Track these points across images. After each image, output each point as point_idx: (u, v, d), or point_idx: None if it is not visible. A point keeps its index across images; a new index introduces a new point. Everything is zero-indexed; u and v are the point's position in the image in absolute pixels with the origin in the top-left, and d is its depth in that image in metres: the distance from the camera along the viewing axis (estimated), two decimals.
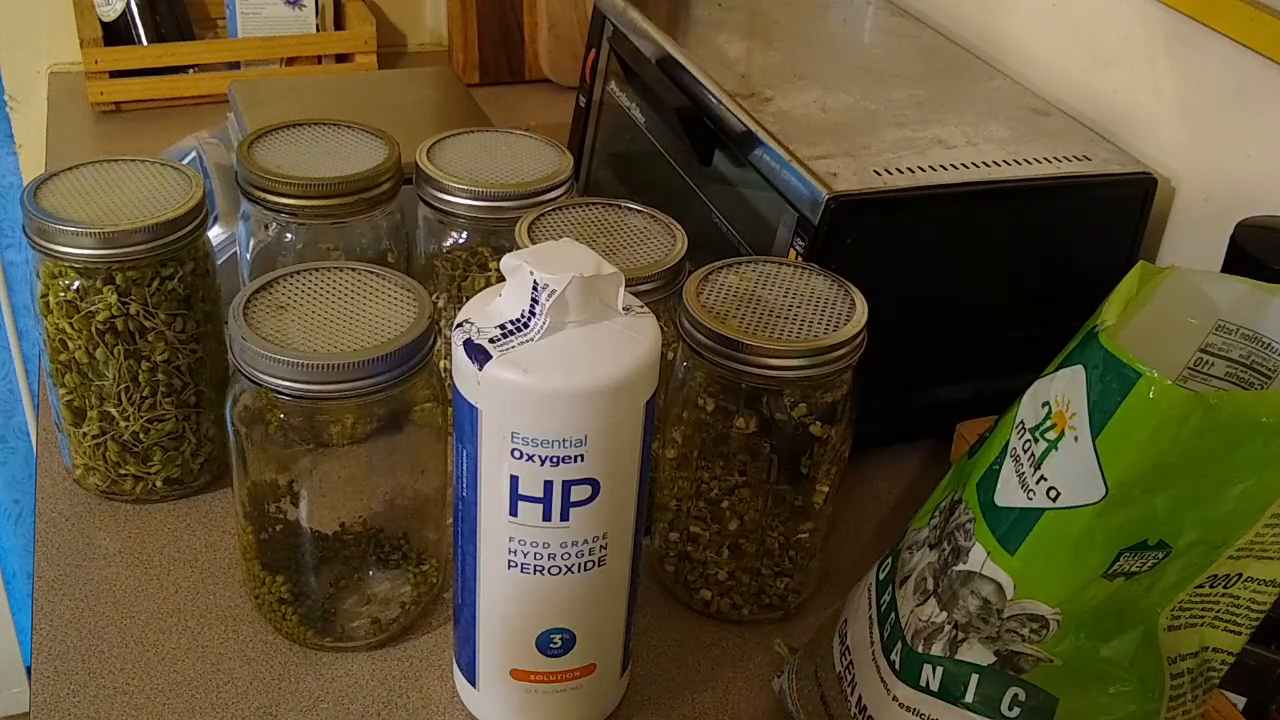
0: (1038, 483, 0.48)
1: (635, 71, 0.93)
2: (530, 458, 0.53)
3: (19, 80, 1.31)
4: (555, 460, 0.53)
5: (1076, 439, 0.46)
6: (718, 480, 0.66)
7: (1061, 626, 0.49)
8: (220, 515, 0.75)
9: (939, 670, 0.53)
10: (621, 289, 0.54)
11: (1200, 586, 0.51)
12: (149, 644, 0.66)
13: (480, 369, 0.52)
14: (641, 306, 0.55)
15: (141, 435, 0.73)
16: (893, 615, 0.55)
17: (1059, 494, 0.47)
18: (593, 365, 0.52)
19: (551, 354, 0.52)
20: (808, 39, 0.98)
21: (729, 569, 0.68)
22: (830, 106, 0.85)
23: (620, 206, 0.73)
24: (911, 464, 0.84)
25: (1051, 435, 0.48)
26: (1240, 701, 0.61)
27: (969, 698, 0.52)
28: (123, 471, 0.74)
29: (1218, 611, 0.52)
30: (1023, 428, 0.50)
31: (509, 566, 0.56)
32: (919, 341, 0.80)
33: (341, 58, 1.29)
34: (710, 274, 0.66)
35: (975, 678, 0.52)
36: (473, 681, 0.62)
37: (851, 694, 0.57)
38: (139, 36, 1.22)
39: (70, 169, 0.72)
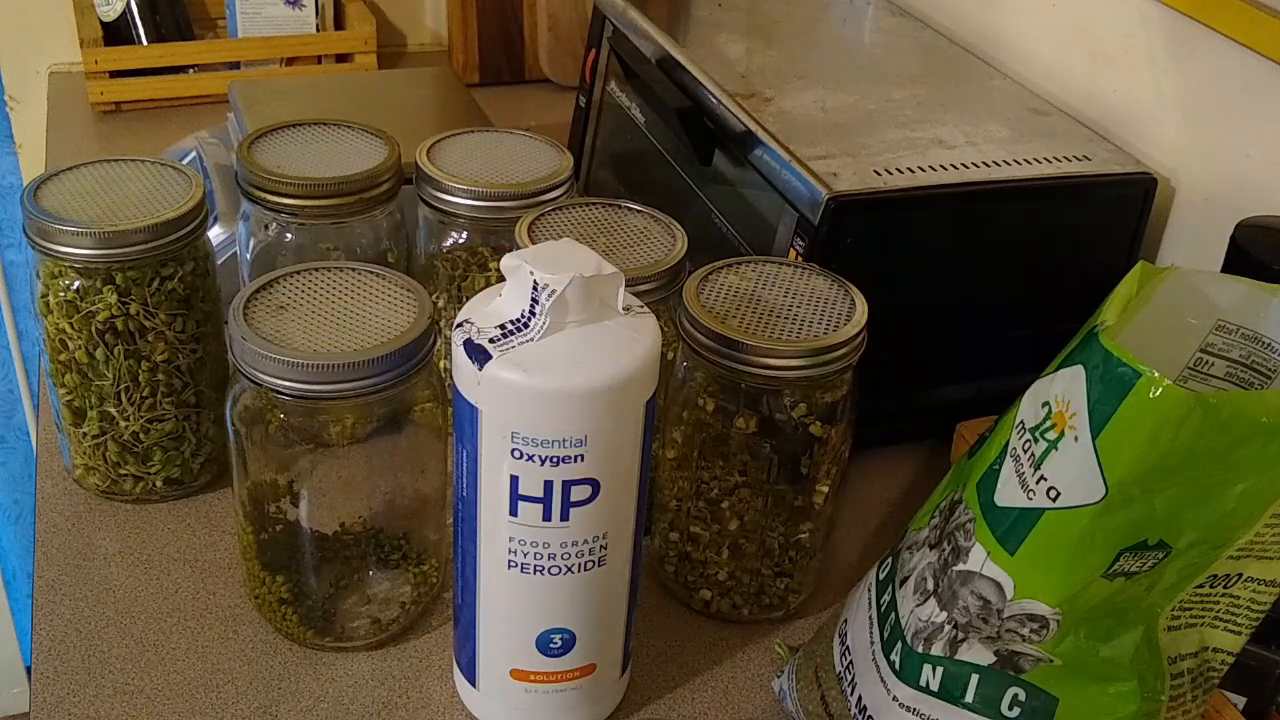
0: (1038, 483, 0.48)
1: (635, 71, 0.93)
2: (530, 458, 0.53)
3: (19, 80, 1.31)
4: (555, 460, 0.53)
5: (1076, 439, 0.46)
6: (718, 480, 0.66)
7: (1061, 626, 0.49)
8: (220, 515, 0.75)
9: (939, 670, 0.53)
10: (621, 289, 0.54)
11: (1200, 586, 0.51)
12: (149, 644, 0.67)
13: (480, 369, 0.52)
14: (641, 306, 0.55)
15: (141, 435, 0.73)
16: (893, 615, 0.55)
17: (1059, 494, 0.47)
18: (593, 365, 0.52)
19: (551, 354, 0.52)
20: (808, 39, 0.98)
21: (729, 569, 0.68)
22: (830, 106, 0.85)
23: (620, 206, 0.73)
24: (911, 464, 0.84)
25: (1051, 435, 0.48)
26: (1240, 701, 0.61)
27: (969, 698, 0.52)
28: (123, 471, 0.74)
29: (1218, 611, 0.52)
30: (1023, 428, 0.50)
31: (509, 566, 0.56)
32: (919, 341, 0.80)
33: (341, 58, 1.29)
34: (710, 274, 0.66)
35: (975, 678, 0.52)
36: (473, 681, 0.62)
37: (851, 694, 0.57)
38: (139, 36, 1.22)
39: (70, 169, 0.72)
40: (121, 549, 0.72)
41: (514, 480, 0.54)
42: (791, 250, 0.76)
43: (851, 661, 0.58)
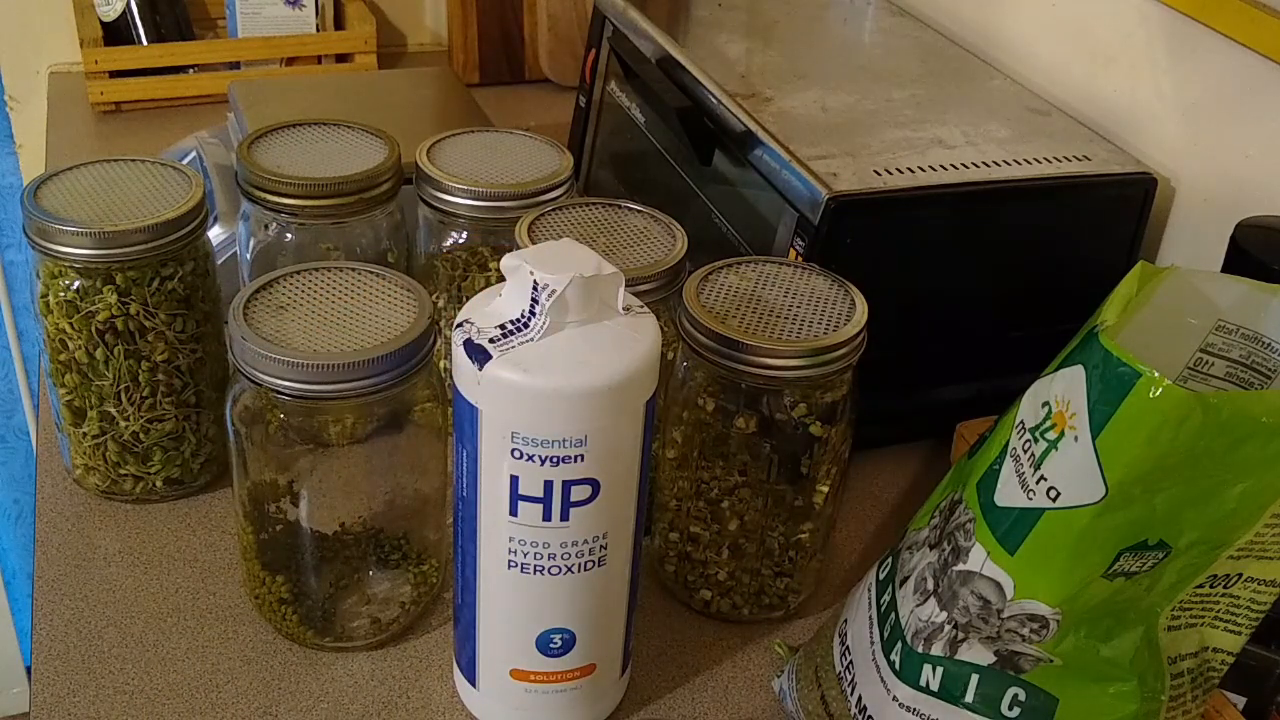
0: (1038, 483, 0.48)
1: (635, 71, 0.93)
2: (530, 458, 0.53)
3: (19, 80, 1.31)
4: (555, 460, 0.53)
5: (1076, 439, 0.46)
6: (718, 480, 0.66)
7: (1061, 626, 0.49)
8: (220, 515, 0.75)
9: (939, 670, 0.53)
10: (621, 289, 0.54)
11: (1200, 586, 0.51)
12: (149, 644, 0.67)
13: (480, 369, 0.52)
14: (641, 306, 0.55)
15: (141, 435, 0.73)
16: (893, 615, 0.55)
17: (1059, 494, 0.47)
18: (593, 365, 0.52)
19: (551, 354, 0.52)
20: (808, 39, 0.98)
21: (729, 569, 0.68)
22: (830, 106, 0.85)
23: (620, 206, 0.73)
24: (911, 464, 0.84)
25: (1051, 435, 0.48)
26: (1240, 701, 0.61)
27: (969, 698, 0.52)
28: (123, 471, 0.74)
29: (1218, 611, 0.52)
30: (1023, 428, 0.50)
31: (509, 566, 0.56)
32: (919, 341, 0.80)
33: (341, 58, 1.29)
34: (710, 274, 0.66)
35: (975, 678, 0.52)
36: (473, 681, 0.62)
37: (851, 694, 0.57)
38: (139, 36, 1.22)
39: (70, 169, 0.72)
40: (121, 549, 0.72)
41: (514, 480, 0.54)
42: (791, 250, 0.76)
43: (851, 661, 0.58)
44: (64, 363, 0.71)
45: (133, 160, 0.74)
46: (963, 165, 0.78)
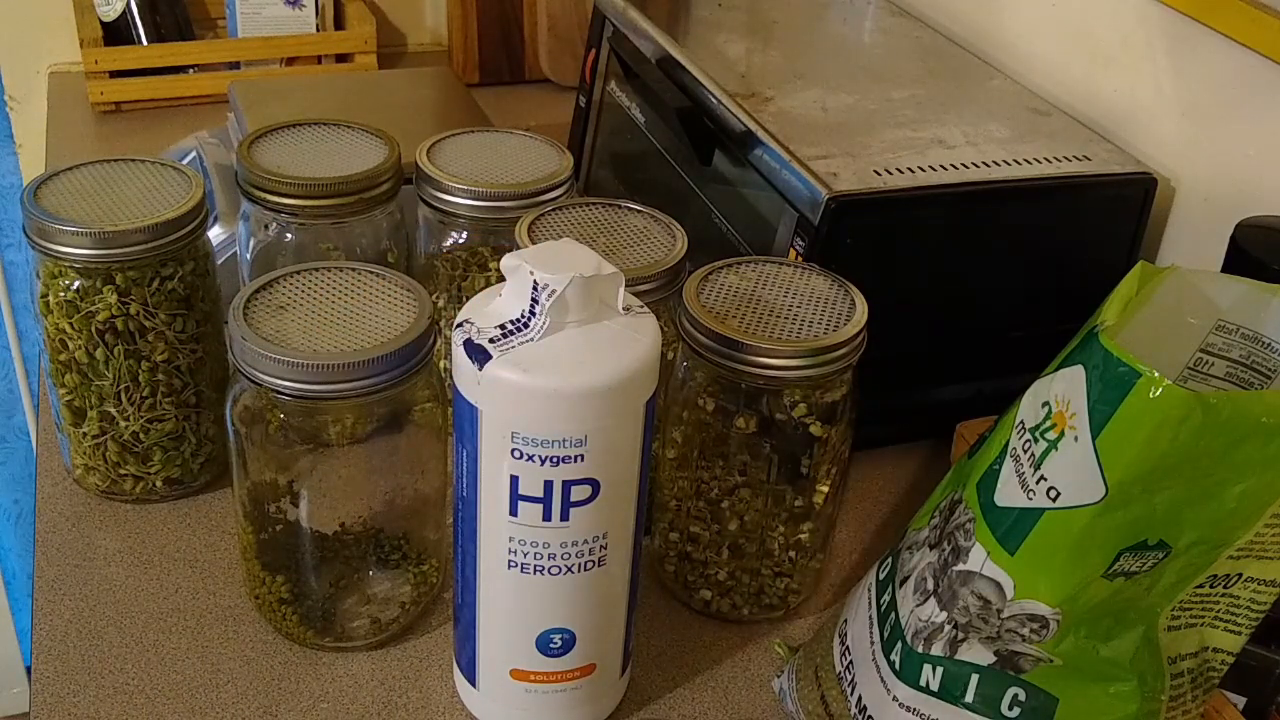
0: (1038, 483, 0.48)
1: (635, 71, 0.93)
2: (530, 458, 0.53)
3: (19, 80, 1.31)
4: (555, 460, 0.53)
5: (1076, 439, 0.46)
6: (718, 480, 0.66)
7: (1061, 626, 0.49)
8: (220, 515, 0.75)
9: (939, 670, 0.53)
10: (621, 289, 0.54)
11: (1200, 586, 0.51)
12: (149, 644, 0.67)
13: (480, 369, 0.52)
14: (641, 306, 0.55)
15: (141, 435, 0.73)
16: (893, 615, 0.55)
17: (1059, 494, 0.47)
18: (593, 365, 0.52)
19: (551, 354, 0.52)
20: (808, 39, 0.98)
21: (729, 569, 0.69)
22: (830, 106, 0.85)
23: (620, 206, 0.73)
24: (911, 464, 0.84)
25: (1051, 435, 0.48)
26: (1240, 701, 0.61)
27: (969, 698, 0.52)
28: (123, 471, 0.74)
29: (1218, 611, 0.52)
30: (1023, 428, 0.50)
31: (509, 566, 0.56)
32: (919, 341, 0.80)
33: (341, 58, 1.29)
34: (710, 274, 0.66)
35: (975, 678, 0.52)
36: (473, 681, 0.62)
37: (851, 694, 0.57)
38: (139, 36, 1.22)
39: (70, 169, 0.72)
40: (121, 549, 0.72)
41: (514, 480, 0.54)
42: (791, 250, 0.76)
43: (851, 661, 0.58)
44: (64, 363, 0.71)
45: (133, 160, 0.74)
46: (963, 165, 0.78)
